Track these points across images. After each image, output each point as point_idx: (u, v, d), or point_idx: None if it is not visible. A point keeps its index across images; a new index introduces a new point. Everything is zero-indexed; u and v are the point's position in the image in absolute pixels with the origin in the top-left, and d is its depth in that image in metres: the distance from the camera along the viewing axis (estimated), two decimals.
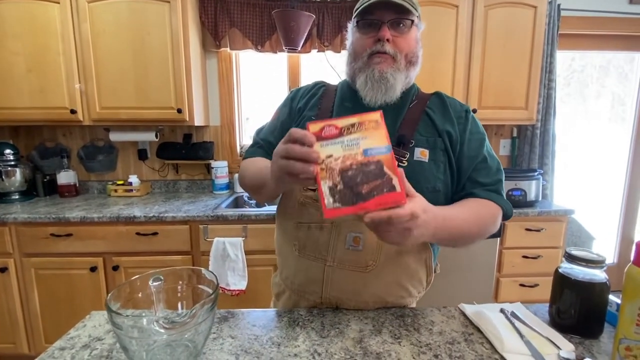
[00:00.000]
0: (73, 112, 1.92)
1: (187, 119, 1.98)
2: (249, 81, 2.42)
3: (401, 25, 0.76)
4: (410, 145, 0.77)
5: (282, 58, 2.32)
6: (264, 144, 0.90)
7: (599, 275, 0.67)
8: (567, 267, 0.71)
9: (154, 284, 0.68)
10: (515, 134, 2.37)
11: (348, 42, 0.83)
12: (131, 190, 2.18)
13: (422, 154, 0.77)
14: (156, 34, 1.87)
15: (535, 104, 2.07)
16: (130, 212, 1.78)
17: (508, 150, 2.41)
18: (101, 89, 1.92)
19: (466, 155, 0.79)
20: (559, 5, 2.15)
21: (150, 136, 2.17)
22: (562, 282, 0.71)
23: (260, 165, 0.80)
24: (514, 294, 1.98)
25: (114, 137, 2.16)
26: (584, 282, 0.67)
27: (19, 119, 1.95)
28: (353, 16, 0.81)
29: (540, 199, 2.01)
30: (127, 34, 1.87)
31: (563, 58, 2.46)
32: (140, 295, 0.66)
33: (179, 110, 1.94)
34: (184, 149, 2.26)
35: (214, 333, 0.70)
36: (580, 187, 2.63)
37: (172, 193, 2.32)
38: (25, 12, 1.83)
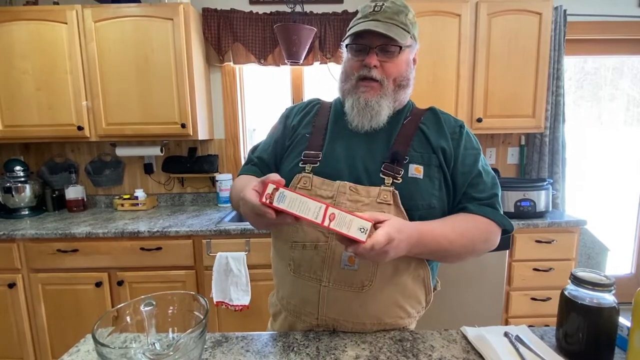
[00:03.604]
0: (80, 128, 1.95)
1: (191, 134, 1.99)
2: (253, 94, 2.44)
3: (390, 50, 0.76)
4: (405, 162, 0.76)
5: (285, 71, 2.33)
6: (257, 162, 0.90)
7: (607, 298, 0.64)
8: (573, 289, 0.67)
9: (146, 309, 0.68)
10: (523, 142, 2.32)
11: (344, 59, 0.83)
12: (137, 204, 2.20)
13: (416, 170, 0.75)
14: (160, 51, 1.90)
15: (543, 111, 2.02)
16: (135, 227, 1.79)
17: (516, 159, 2.35)
18: (107, 106, 1.96)
19: (460, 171, 0.78)
20: (565, 10, 2.12)
21: (155, 150, 2.19)
22: (568, 305, 0.67)
23: (245, 183, 0.79)
24: (525, 308, 1.91)
25: (120, 152, 2.19)
26: (591, 306, 0.64)
27: (29, 136, 2.00)
28: (345, 35, 0.81)
29: (550, 209, 1.95)
30: (131, 52, 1.90)
31: (575, 60, 2.40)
32: (130, 320, 0.65)
33: (183, 125, 1.96)
34: (189, 163, 2.27)
35: (206, 359, 0.68)
36: (594, 195, 2.54)
37: (177, 206, 2.33)
38: (34, 33, 1.88)
